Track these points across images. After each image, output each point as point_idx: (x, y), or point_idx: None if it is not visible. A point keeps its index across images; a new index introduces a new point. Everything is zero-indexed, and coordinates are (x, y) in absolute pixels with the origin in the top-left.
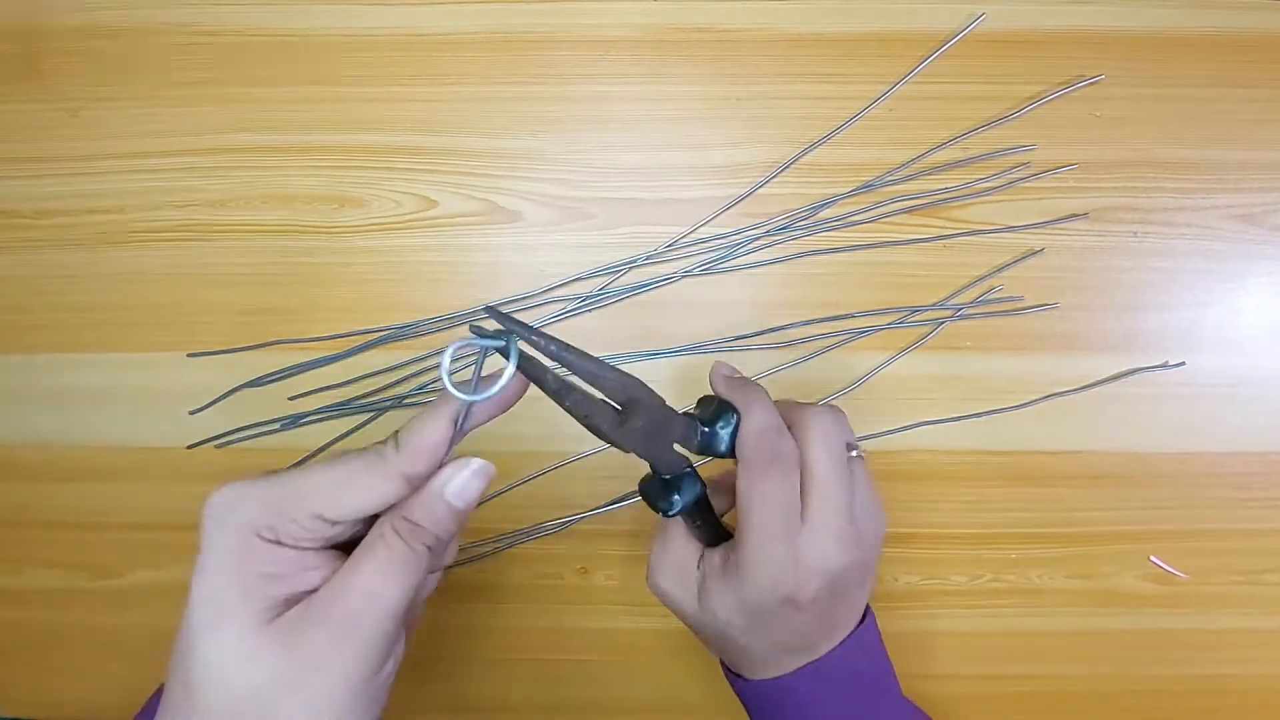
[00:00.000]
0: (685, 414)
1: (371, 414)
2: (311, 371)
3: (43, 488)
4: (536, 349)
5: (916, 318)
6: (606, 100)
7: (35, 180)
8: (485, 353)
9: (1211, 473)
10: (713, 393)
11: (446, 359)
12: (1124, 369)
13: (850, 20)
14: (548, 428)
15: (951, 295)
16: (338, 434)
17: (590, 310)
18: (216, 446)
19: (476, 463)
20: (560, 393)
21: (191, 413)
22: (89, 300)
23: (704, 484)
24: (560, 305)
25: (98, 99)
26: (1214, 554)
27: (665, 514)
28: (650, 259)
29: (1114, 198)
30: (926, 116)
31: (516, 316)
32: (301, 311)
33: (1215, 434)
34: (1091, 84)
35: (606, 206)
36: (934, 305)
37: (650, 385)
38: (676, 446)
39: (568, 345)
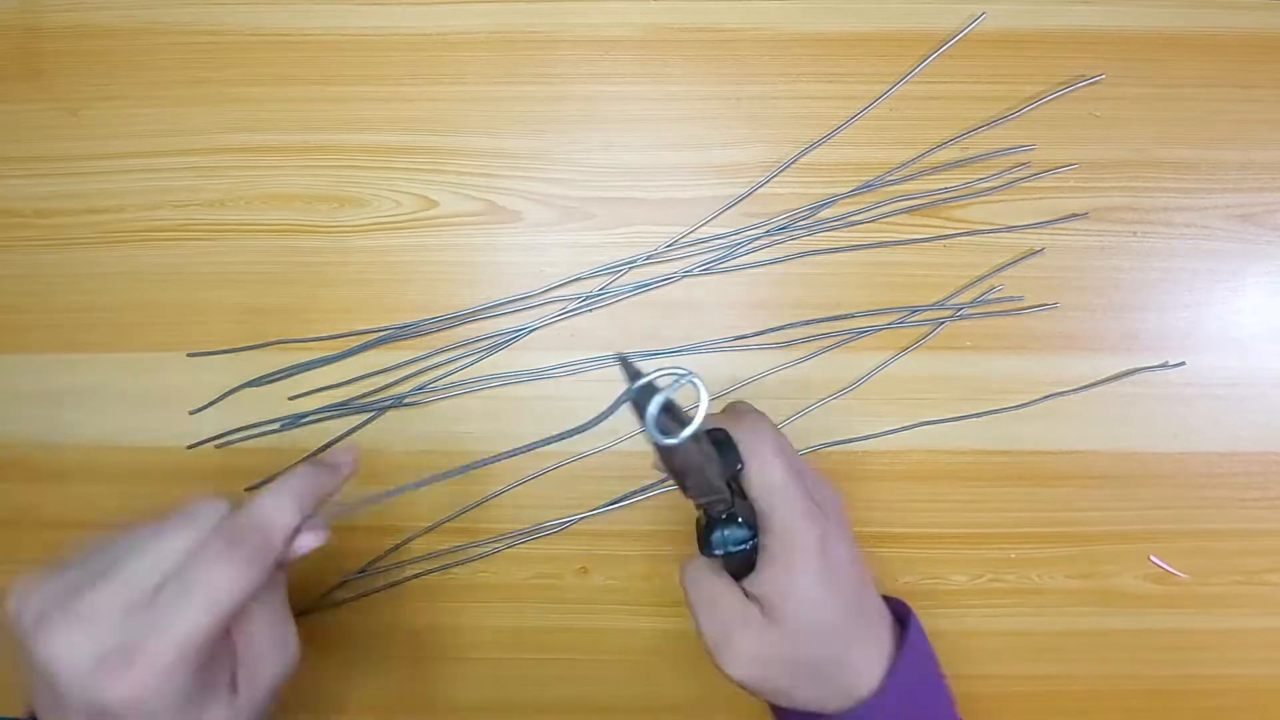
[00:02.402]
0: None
1: (371, 414)
2: (311, 371)
3: (43, 488)
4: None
5: (916, 318)
6: (607, 100)
7: (35, 180)
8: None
9: (1211, 473)
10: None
11: (653, 408)
12: (1124, 369)
13: (850, 20)
14: (547, 428)
15: (951, 295)
16: (337, 434)
17: (590, 310)
18: (216, 447)
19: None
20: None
21: (191, 413)
22: (88, 300)
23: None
24: (560, 305)
25: (98, 99)
26: (1214, 554)
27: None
28: (650, 259)
29: (1114, 198)
30: (926, 116)
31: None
32: (301, 311)
33: (1215, 434)
34: (1091, 84)
35: (606, 206)
36: (934, 305)
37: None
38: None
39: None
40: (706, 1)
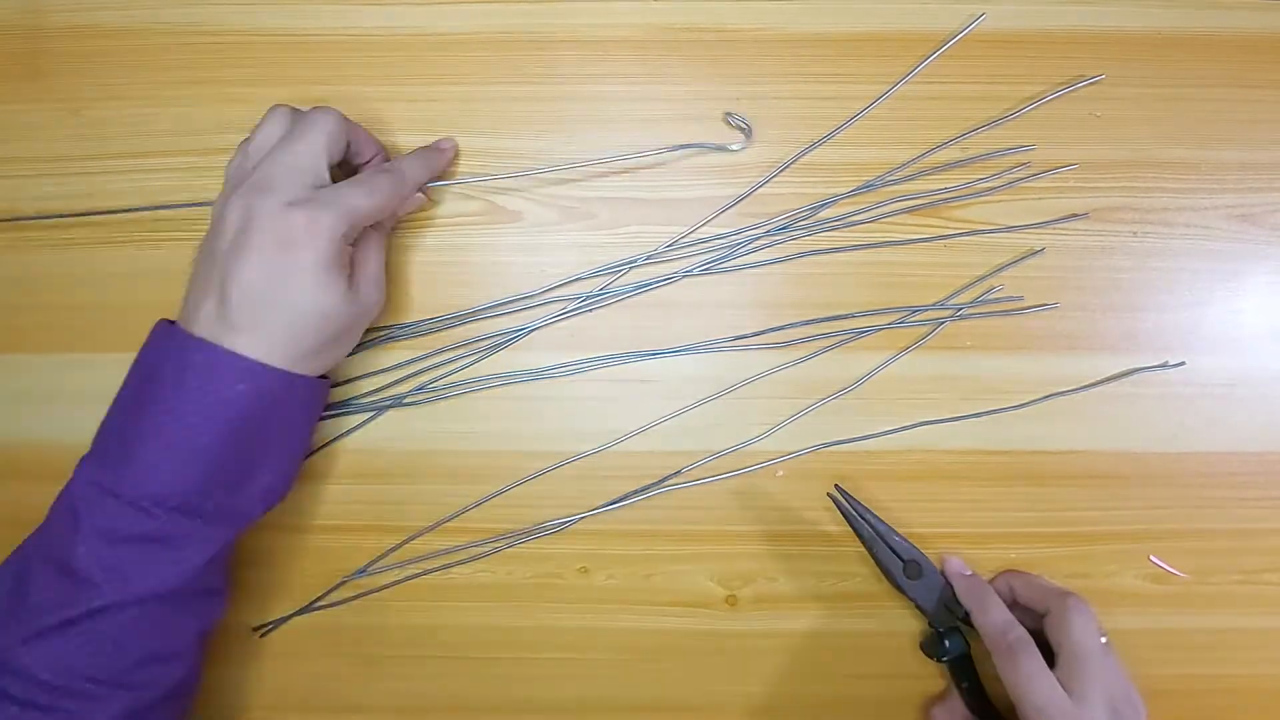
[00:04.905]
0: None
1: (371, 414)
2: None
3: (43, 488)
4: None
5: (916, 318)
6: (607, 100)
7: (35, 180)
8: None
9: (1211, 473)
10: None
11: None
12: (1124, 369)
13: (850, 20)
14: (548, 427)
15: (951, 295)
16: (338, 433)
17: (590, 310)
18: None
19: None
20: (869, 542)
21: None
22: (89, 300)
23: (969, 644)
24: (560, 305)
25: (99, 99)
26: (1214, 554)
27: (940, 659)
28: (650, 259)
29: (1114, 198)
30: (926, 116)
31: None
32: None
33: (1215, 434)
34: (1091, 84)
35: (607, 206)
36: (934, 305)
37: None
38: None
39: (870, 513)
40: (706, 1)
